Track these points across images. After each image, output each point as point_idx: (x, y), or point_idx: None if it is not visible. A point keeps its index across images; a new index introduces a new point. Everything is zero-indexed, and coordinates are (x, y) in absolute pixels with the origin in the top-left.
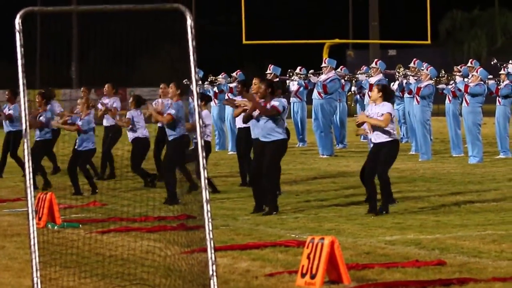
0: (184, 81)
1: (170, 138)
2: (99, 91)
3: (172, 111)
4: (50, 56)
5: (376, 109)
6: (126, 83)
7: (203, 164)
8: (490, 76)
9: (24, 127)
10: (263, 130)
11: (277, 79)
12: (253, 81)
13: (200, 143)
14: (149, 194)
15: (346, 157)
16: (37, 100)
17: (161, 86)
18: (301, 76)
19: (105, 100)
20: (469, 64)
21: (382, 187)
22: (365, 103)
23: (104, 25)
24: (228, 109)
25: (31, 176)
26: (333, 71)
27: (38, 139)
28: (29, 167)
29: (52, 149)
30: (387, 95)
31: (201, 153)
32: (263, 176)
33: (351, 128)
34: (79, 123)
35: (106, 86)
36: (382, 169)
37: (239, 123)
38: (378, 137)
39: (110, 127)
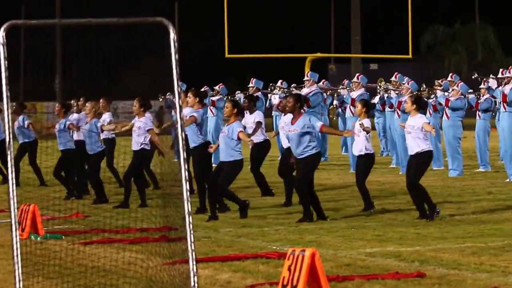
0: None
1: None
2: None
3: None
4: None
5: (412, 122)
6: (108, 96)
7: (185, 177)
8: (471, 91)
9: (7, 139)
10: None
11: (259, 92)
12: (226, 105)
13: (182, 155)
14: (131, 206)
15: (327, 170)
16: (56, 109)
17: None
18: (283, 89)
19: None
20: (449, 78)
21: (419, 195)
22: (346, 116)
23: (88, 39)
24: (211, 122)
25: (14, 188)
26: (315, 85)
27: (62, 149)
28: (12, 178)
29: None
30: (421, 106)
31: (183, 165)
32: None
33: (333, 142)
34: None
35: (101, 100)
36: (413, 178)
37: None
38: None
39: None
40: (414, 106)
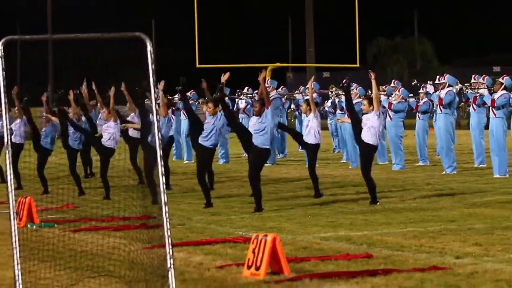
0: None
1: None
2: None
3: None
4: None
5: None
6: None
7: (161, 171)
8: (411, 95)
9: (6, 140)
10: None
11: (226, 98)
12: (208, 105)
13: (159, 152)
14: (114, 197)
15: (286, 165)
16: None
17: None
18: (248, 95)
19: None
20: (392, 84)
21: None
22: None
23: (76, 51)
24: (184, 123)
25: (12, 182)
26: (275, 91)
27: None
28: (10, 174)
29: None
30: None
31: (159, 162)
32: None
33: (290, 140)
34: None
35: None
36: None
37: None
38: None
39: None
40: (371, 106)
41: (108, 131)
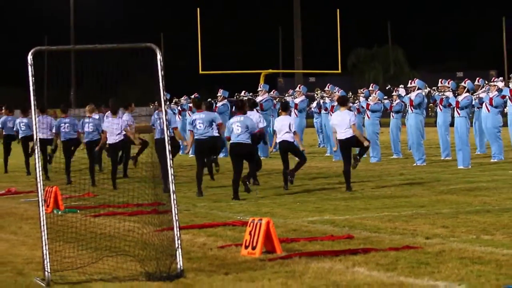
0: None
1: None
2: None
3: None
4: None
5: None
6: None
7: (170, 164)
8: (386, 97)
9: (35, 137)
10: None
11: (225, 100)
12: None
13: (167, 148)
14: (128, 187)
15: (278, 159)
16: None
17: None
18: (245, 97)
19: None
20: (370, 88)
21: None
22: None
23: (95, 60)
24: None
25: (40, 174)
26: (267, 94)
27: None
28: (39, 167)
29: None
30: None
31: (168, 156)
32: None
33: None
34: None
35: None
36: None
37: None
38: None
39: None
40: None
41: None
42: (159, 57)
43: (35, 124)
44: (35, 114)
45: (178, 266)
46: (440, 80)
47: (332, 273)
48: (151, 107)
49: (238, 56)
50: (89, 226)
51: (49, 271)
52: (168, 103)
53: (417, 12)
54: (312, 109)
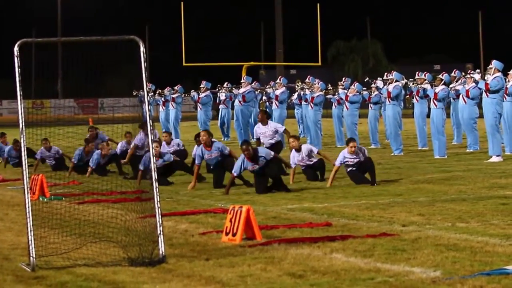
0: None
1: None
2: (77, 100)
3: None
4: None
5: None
6: (96, 94)
7: (152, 153)
8: (364, 89)
9: (20, 128)
10: None
11: (208, 91)
12: (201, 133)
13: (150, 144)
14: (113, 176)
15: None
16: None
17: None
18: (227, 89)
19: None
20: (342, 81)
21: None
22: (273, 108)
23: (81, 51)
24: (171, 113)
25: (26, 162)
26: (250, 85)
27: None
28: (24, 159)
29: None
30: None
31: (151, 146)
32: None
33: None
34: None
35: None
36: None
37: None
38: None
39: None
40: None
41: None
42: (142, 49)
43: (21, 114)
44: (21, 104)
45: (160, 252)
46: (417, 72)
47: (311, 259)
48: (134, 94)
49: (220, 49)
50: (74, 213)
51: (34, 256)
52: (152, 93)
53: (397, 7)
54: (293, 100)
